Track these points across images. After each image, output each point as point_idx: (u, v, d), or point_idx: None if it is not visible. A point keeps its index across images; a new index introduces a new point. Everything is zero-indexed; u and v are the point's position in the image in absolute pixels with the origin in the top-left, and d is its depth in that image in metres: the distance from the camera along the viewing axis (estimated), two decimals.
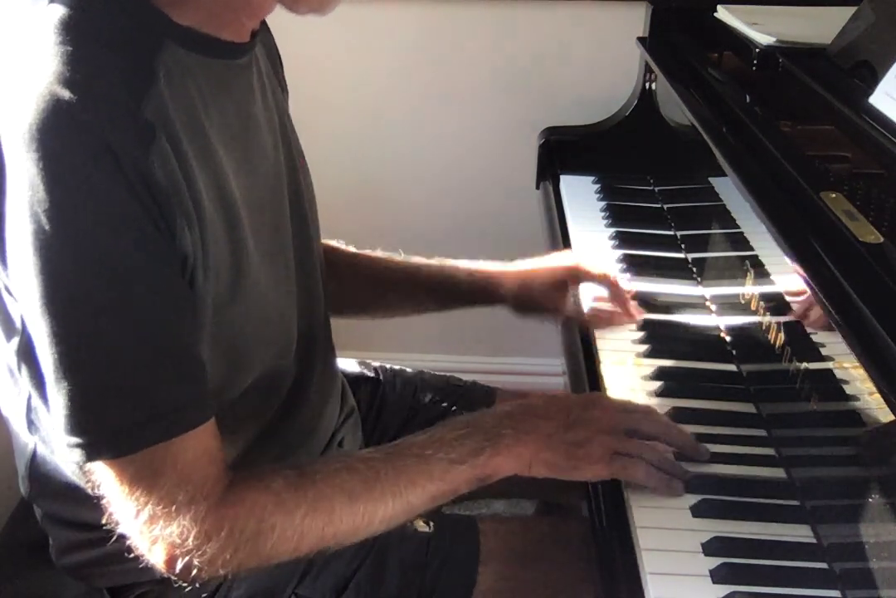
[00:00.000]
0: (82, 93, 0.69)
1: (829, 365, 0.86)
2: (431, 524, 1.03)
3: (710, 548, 0.82)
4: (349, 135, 1.99)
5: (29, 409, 0.88)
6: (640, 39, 1.59)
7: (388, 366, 1.33)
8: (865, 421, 0.78)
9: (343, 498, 0.81)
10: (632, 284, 1.25)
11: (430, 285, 1.23)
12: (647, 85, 1.62)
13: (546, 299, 1.22)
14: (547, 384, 1.76)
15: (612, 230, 1.43)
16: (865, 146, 1.00)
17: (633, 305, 1.21)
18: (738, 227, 1.16)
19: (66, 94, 0.69)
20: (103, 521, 0.79)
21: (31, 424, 0.89)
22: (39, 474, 0.92)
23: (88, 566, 0.96)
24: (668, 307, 1.22)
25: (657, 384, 1.05)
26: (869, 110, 1.00)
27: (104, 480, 0.76)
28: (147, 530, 0.76)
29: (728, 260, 1.20)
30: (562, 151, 1.67)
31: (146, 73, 0.75)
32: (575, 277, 1.23)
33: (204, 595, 0.95)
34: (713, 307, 1.20)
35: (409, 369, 1.33)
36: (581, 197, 1.55)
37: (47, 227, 0.69)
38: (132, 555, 0.79)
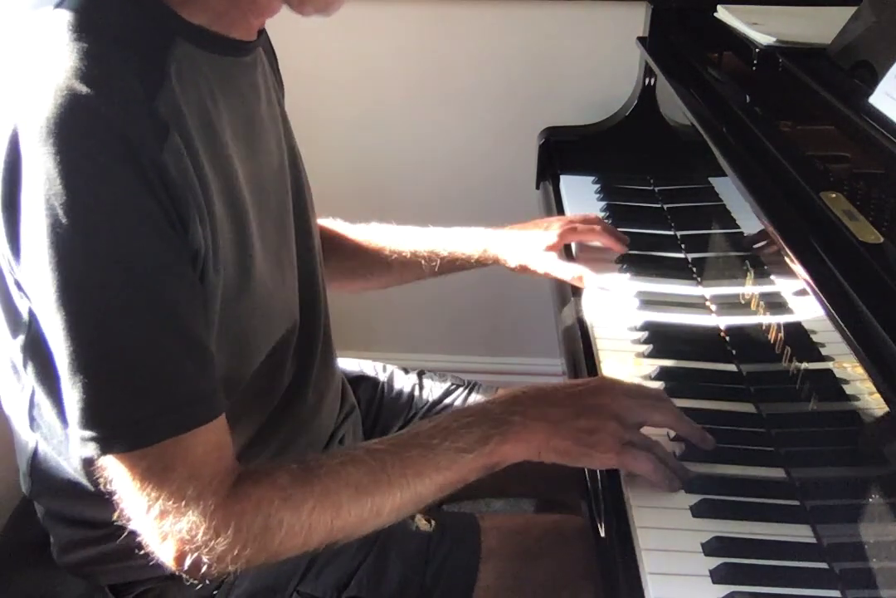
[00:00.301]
0: (99, 87, 0.70)
1: (829, 365, 0.86)
2: (433, 522, 1.03)
3: (710, 548, 0.82)
4: (348, 135, 1.99)
5: (32, 406, 0.88)
6: (640, 39, 1.59)
7: (388, 365, 1.33)
8: (865, 421, 0.79)
9: (350, 491, 0.81)
10: (632, 284, 1.25)
11: (432, 249, 1.25)
12: (647, 85, 1.62)
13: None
14: None
15: None
16: (865, 146, 1.00)
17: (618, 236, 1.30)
18: (738, 227, 1.16)
19: (83, 88, 0.69)
20: (113, 518, 0.79)
21: (32, 421, 0.89)
22: (41, 471, 0.93)
23: (90, 563, 0.96)
24: (668, 306, 1.22)
25: (657, 384, 1.05)
26: (869, 110, 1.00)
27: (115, 475, 0.77)
28: (157, 525, 0.76)
29: (728, 260, 1.20)
30: (562, 151, 1.67)
31: (159, 69, 0.76)
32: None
33: (206, 592, 0.95)
34: (713, 307, 1.20)
35: (409, 369, 1.33)
36: (581, 197, 1.55)
37: (63, 220, 0.70)
38: (141, 552, 0.79)
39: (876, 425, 0.77)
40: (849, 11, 1.17)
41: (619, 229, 1.35)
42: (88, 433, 0.74)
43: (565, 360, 1.16)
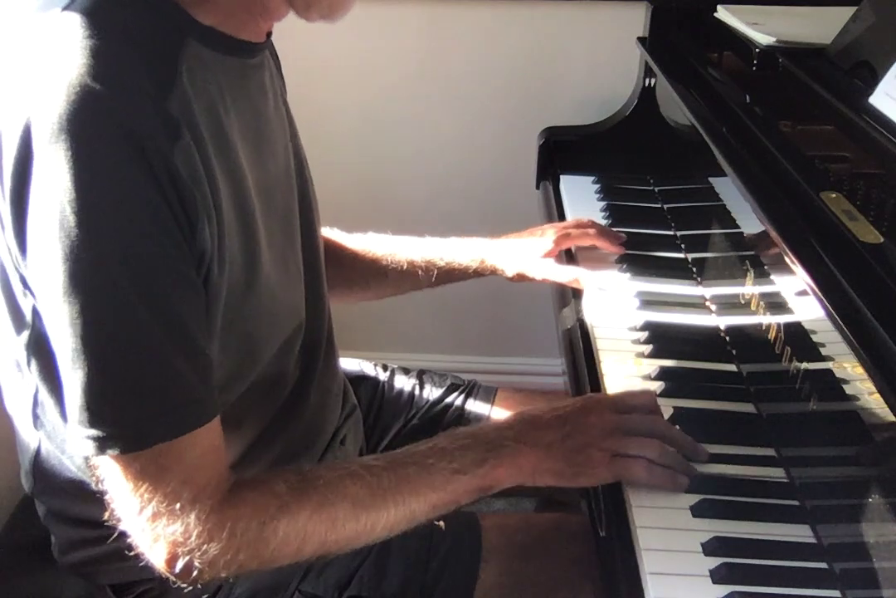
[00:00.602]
0: (112, 85, 0.70)
1: (829, 365, 0.86)
2: (434, 521, 1.03)
3: (710, 548, 0.82)
4: (349, 135, 1.99)
5: (35, 404, 0.88)
6: (640, 39, 1.59)
7: (388, 365, 1.33)
8: (865, 421, 0.79)
9: (347, 505, 0.82)
10: (632, 284, 1.25)
11: (429, 260, 1.25)
12: (647, 85, 1.62)
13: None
14: (547, 384, 1.76)
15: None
16: (865, 146, 1.00)
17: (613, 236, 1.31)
18: (738, 227, 1.16)
19: (96, 86, 0.69)
20: (105, 517, 0.79)
21: (36, 419, 0.89)
22: (43, 469, 0.93)
23: (91, 563, 0.96)
24: (668, 306, 1.22)
25: (657, 384, 1.05)
26: (869, 110, 1.00)
27: (109, 474, 0.77)
28: (149, 527, 0.76)
29: (728, 260, 1.20)
30: (562, 151, 1.67)
31: (171, 69, 0.76)
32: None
33: (207, 592, 0.95)
34: (713, 307, 1.20)
35: (409, 369, 1.33)
36: (581, 197, 1.55)
37: (71, 217, 0.70)
38: (133, 553, 0.79)
39: (876, 425, 0.77)
40: (849, 11, 1.17)
41: (619, 229, 1.35)
42: (87, 432, 0.74)
43: (565, 360, 1.16)
